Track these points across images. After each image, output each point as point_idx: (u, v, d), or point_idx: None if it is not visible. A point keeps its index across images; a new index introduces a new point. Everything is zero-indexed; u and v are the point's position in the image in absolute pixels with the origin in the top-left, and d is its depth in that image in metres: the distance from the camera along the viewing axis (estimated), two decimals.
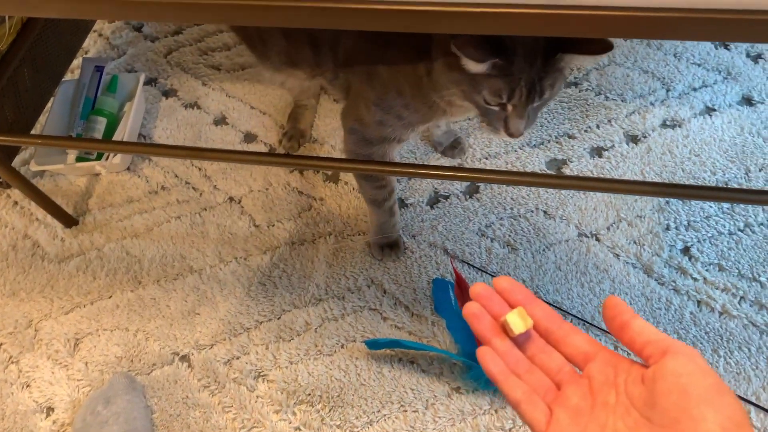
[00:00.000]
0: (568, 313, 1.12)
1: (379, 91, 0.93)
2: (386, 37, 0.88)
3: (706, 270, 1.14)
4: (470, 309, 0.55)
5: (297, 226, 1.27)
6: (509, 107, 0.78)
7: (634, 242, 1.19)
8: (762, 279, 1.12)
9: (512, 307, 0.54)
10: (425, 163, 1.32)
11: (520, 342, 0.54)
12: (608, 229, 1.21)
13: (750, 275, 1.12)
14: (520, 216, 1.24)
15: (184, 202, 1.33)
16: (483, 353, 0.53)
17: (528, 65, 0.75)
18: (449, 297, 1.14)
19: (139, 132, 1.44)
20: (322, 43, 0.98)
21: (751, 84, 1.33)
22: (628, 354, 0.84)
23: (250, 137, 1.41)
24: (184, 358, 1.15)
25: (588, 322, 1.11)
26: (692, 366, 0.45)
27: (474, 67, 0.75)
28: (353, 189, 1.30)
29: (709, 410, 0.43)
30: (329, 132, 1.39)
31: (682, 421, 0.43)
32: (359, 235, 1.25)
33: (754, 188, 1.19)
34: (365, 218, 1.26)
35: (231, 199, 1.33)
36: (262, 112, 1.44)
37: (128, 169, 1.40)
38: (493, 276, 1.17)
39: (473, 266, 1.19)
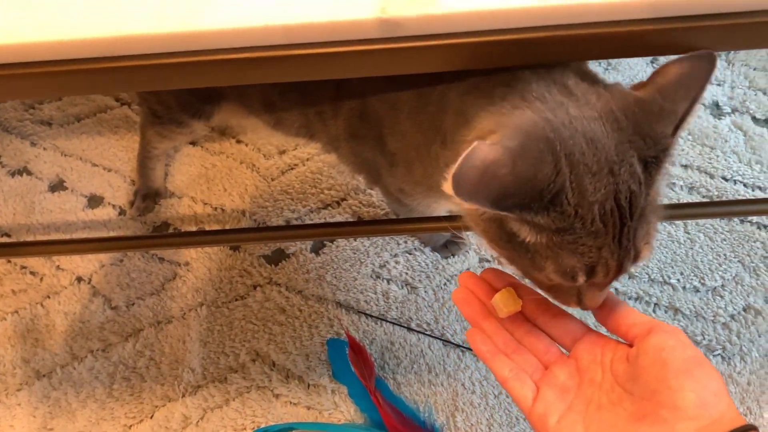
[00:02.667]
0: None
1: (389, 160, 0.74)
2: (395, 99, 0.66)
3: (616, 279, 1.06)
4: (458, 295, 0.56)
5: (162, 301, 1.08)
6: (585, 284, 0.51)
7: None
8: (673, 281, 1.05)
9: (500, 290, 0.55)
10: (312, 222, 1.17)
11: (508, 325, 0.55)
12: None
13: (660, 279, 1.06)
14: (415, 249, 1.11)
15: (21, 291, 1.11)
16: (472, 334, 0.55)
17: (619, 213, 0.47)
18: (348, 359, 0.99)
19: None
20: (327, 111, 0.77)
21: (633, 72, 1.27)
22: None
23: (95, 201, 1.20)
24: None
25: None
26: (673, 341, 0.46)
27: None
28: (223, 246, 1.13)
29: (687, 381, 0.44)
30: (186, 182, 1.20)
31: (661, 391, 0.44)
32: (237, 300, 1.08)
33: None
34: (240, 278, 1.09)
35: (79, 279, 1.12)
36: (106, 168, 1.23)
37: None
38: (394, 324, 1.04)
39: (371, 316, 1.05)
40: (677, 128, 0.49)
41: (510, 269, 0.54)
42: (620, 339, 0.51)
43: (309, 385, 1.00)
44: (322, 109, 0.76)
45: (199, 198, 1.18)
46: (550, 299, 0.54)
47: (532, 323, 0.56)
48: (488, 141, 0.47)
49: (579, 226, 0.46)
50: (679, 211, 0.97)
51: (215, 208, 1.17)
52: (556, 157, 0.46)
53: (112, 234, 1.16)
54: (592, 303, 0.52)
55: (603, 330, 0.54)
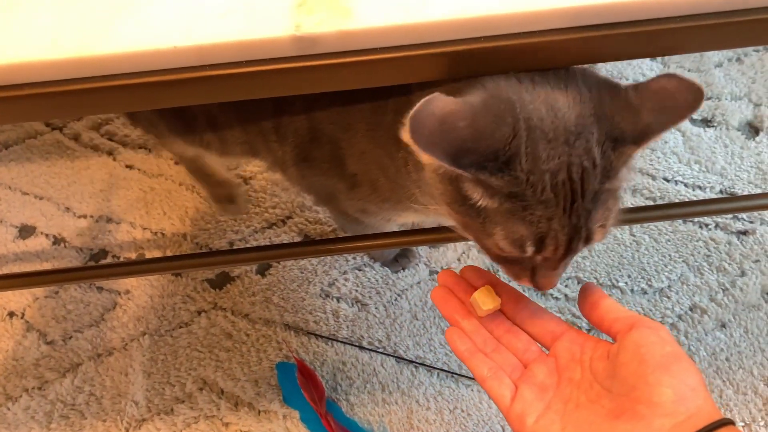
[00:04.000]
0: (433, 367, 0.99)
1: (349, 182, 0.71)
2: (348, 120, 0.63)
3: (566, 286, 1.06)
4: (437, 294, 0.56)
5: (101, 332, 1.04)
6: (537, 257, 0.50)
7: (489, 269, 1.08)
8: (621, 284, 1.05)
9: (479, 288, 0.54)
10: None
11: (487, 323, 0.55)
12: (459, 260, 1.09)
13: (609, 282, 1.06)
14: (365, 265, 1.09)
15: None
16: (450, 333, 0.54)
17: (571, 187, 0.46)
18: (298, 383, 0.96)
19: None
20: (267, 129, 0.73)
21: None
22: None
23: (26, 231, 1.14)
24: None
25: (456, 374, 0.98)
26: (654, 337, 0.46)
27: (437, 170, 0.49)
28: (164, 274, 1.08)
29: (664, 376, 0.43)
30: (124, 207, 1.16)
31: (638, 387, 0.44)
32: (181, 327, 1.04)
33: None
34: (183, 304, 1.05)
35: (11, 314, 1.06)
36: (37, 197, 1.17)
37: None
38: (345, 343, 1.01)
39: (321, 336, 1.02)
40: (639, 140, 0.47)
41: (464, 234, 0.54)
42: (603, 334, 0.51)
43: (259, 412, 0.96)
44: (263, 129, 0.74)
45: (138, 223, 1.14)
46: (504, 272, 0.53)
47: (511, 321, 0.55)
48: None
49: (530, 193, 0.46)
50: (627, 216, 0.97)
51: (155, 233, 1.13)
52: (515, 119, 0.46)
53: (46, 265, 1.10)
54: (544, 282, 0.51)
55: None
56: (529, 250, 0.48)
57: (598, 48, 0.49)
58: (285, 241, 1.11)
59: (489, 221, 0.48)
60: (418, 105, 0.44)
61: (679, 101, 0.47)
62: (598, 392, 0.48)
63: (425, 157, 0.46)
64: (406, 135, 0.45)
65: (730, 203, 0.93)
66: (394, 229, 0.86)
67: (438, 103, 0.45)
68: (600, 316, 0.51)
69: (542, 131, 0.46)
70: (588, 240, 0.49)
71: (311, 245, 0.97)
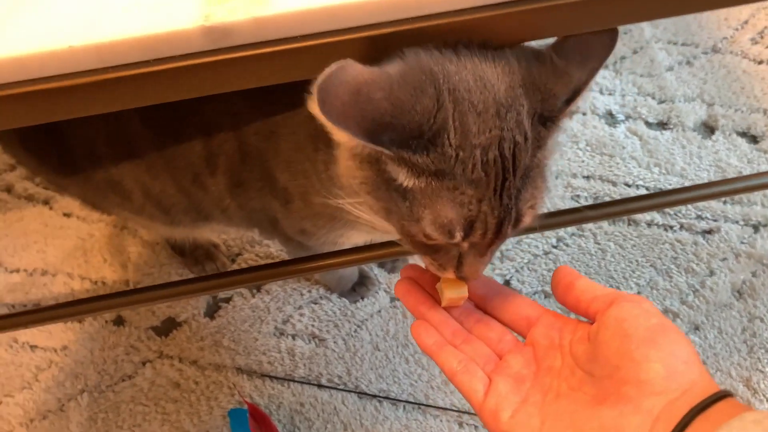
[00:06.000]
0: (398, 400, 0.92)
1: (282, 198, 0.66)
2: (271, 125, 0.59)
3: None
4: (400, 286, 0.52)
5: (35, 394, 0.94)
6: (464, 244, 0.46)
7: None
8: None
9: None
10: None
11: (456, 314, 0.51)
12: None
13: None
14: (321, 298, 1.03)
15: None
16: (416, 327, 0.50)
17: (502, 164, 0.43)
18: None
19: None
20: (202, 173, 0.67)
21: None
22: None
23: None
24: None
25: (423, 404, 0.92)
26: (637, 310, 0.42)
27: (354, 148, 0.44)
28: (107, 321, 1.00)
29: (652, 350, 0.40)
30: (61, 257, 1.07)
31: (623, 366, 0.40)
32: (124, 380, 0.95)
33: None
34: (126, 356, 0.97)
35: None
36: None
37: None
38: (302, 383, 0.94)
39: (276, 378, 0.95)
40: (571, 98, 0.45)
41: (386, 225, 0.48)
42: (581, 317, 0.45)
43: None
44: (196, 171, 0.67)
45: (76, 273, 1.05)
46: (429, 265, 0.49)
47: (482, 311, 0.51)
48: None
49: (459, 171, 0.43)
50: (579, 215, 0.93)
51: (95, 282, 1.05)
52: (438, 90, 0.42)
53: None
54: (470, 270, 0.47)
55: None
56: (458, 235, 0.44)
57: (534, 23, 0.46)
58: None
59: (416, 204, 0.44)
60: (326, 71, 0.39)
61: (596, 46, 0.45)
62: (580, 378, 0.43)
63: (339, 135, 0.41)
64: (314, 107, 0.39)
65: (682, 194, 0.88)
66: None
67: (351, 70, 0.40)
68: (576, 297, 0.46)
69: (471, 103, 0.42)
70: (517, 222, 0.45)
71: (254, 271, 0.89)
